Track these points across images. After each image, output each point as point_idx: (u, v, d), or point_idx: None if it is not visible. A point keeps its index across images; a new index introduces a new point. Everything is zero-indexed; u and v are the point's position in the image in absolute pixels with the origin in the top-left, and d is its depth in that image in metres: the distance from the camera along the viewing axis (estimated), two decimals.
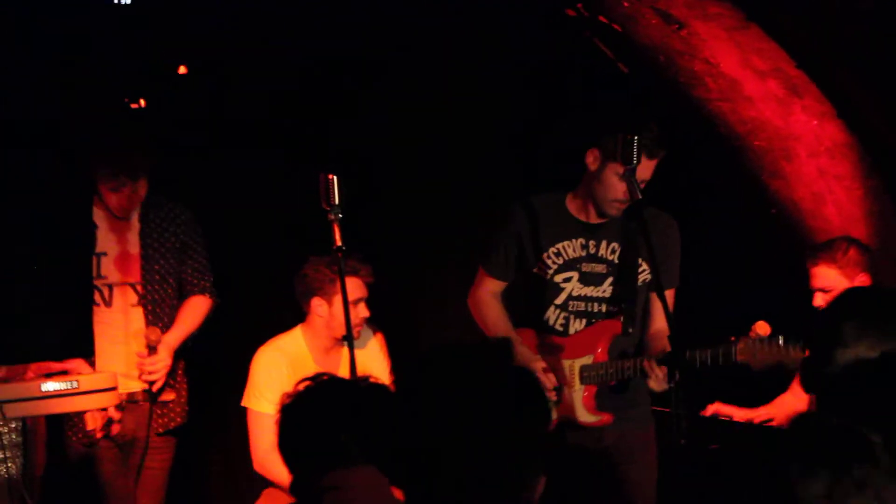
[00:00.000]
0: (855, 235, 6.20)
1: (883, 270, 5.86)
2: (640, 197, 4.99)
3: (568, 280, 5.48)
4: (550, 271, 5.47)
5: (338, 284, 5.49)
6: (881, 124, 6.29)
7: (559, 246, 5.47)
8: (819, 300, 5.73)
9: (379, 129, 7.14)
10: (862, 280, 5.68)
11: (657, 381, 5.13)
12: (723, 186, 7.25)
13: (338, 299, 5.64)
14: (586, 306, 5.48)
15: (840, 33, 5.99)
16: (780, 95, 6.47)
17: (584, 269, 5.47)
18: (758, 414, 5.92)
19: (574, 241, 5.47)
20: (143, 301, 5.93)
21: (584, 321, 5.48)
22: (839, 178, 6.61)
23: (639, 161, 5.04)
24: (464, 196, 7.19)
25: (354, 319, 5.44)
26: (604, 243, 5.46)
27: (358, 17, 6.80)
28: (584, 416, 5.45)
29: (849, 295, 3.69)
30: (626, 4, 6.41)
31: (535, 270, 5.48)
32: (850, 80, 6.24)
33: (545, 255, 5.47)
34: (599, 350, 5.43)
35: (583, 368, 5.45)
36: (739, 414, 5.92)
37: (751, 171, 7.01)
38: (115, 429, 5.82)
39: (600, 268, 5.47)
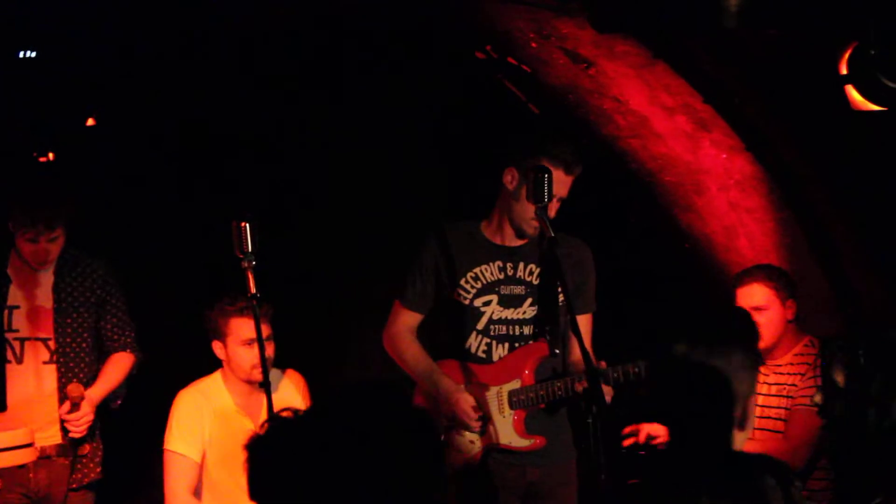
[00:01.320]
0: None
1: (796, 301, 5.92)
2: (552, 235, 5.01)
3: (487, 304, 5.48)
4: (469, 296, 5.48)
5: (231, 325, 5.57)
6: (789, 156, 6.37)
7: (477, 270, 5.48)
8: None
9: (295, 168, 7.16)
10: (790, 305, 5.72)
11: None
12: (638, 221, 7.33)
13: (231, 340, 5.64)
14: (508, 329, 5.49)
15: (744, 67, 6.07)
16: (689, 130, 6.54)
17: (502, 291, 5.48)
18: None
19: (491, 264, 5.48)
20: (57, 356, 5.84)
21: (507, 345, 5.48)
22: (750, 211, 6.68)
23: (550, 199, 5.08)
24: (380, 233, 7.20)
25: (253, 359, 5.40)
26: (521, 265, 5.48)
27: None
28: (517, 440, 5.46)
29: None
30: (534, 45, 6.46)
31: (454, 297, 5.49)
32: (757, 112, 6.32)
33: (463, 280, 5.48)
34: (526, 373, 5.43)
35: (511, 393, 5.45)
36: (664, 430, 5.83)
37: (663, 206, 7.07)
38: None
39: (519, 289, 5.48)
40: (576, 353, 5.42)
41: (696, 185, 6.79)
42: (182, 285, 6.84)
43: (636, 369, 5.25)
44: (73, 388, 5.74)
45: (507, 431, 5.46)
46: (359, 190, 7.24)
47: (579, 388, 5.17)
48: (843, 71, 5.20)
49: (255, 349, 5.51)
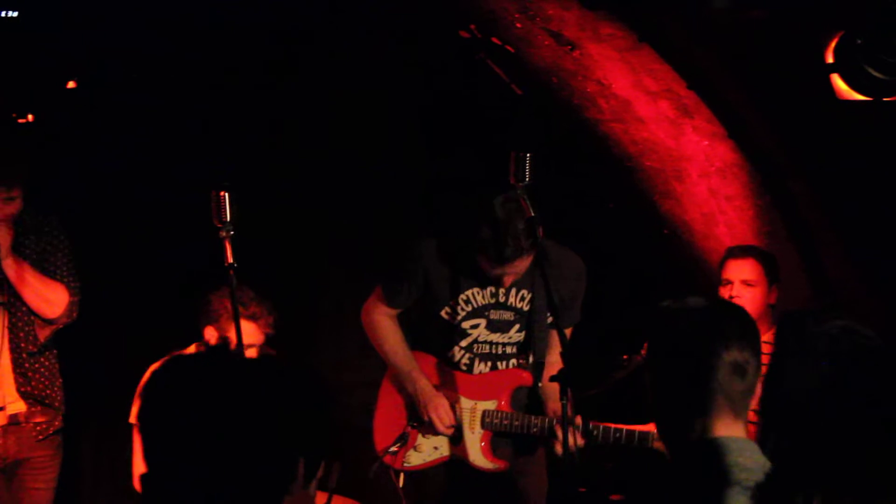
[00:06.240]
0: None
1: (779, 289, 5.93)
2: (533, 214, 4.94)
3: (476, 326, 5.46)
4: (458, 317, 5.43)
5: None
6: (771, 144, 6.36)
7: (469, 293, 5.42)
8: (737, 290, 5.71)
9: (273, 142, 7.12)
10: (774, 290, 5.80)
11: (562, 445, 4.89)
12: (617, 206, 7.33)
13: (231, 334, 5.56)
14: (491, 349, 5.47)
15: (729, 54, 6.05)
16: (672, 116, 6.52)
17: (491, 316, 5.45)
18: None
19: (484, 289, 5.43)
20: (11, 322, 5.68)
21: (489, 363, 5.47)
22: (730, 199, 6.67)
23: (532, 179, 4.98)
24: (361, 215, 7.19)
25: None
26: (513, 291, 5.41)
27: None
28: (480, 460, 5.46)
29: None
30: (518, 26, 6.44)
31: (441, 313, 5.46)
32: (740, 99, 6.30)
33: (453, 301, 5.43)
34: (504, 399, 5.45)
35: (485, 413, 5.44)
36: None
37: (643, 192, 7.06)
38: None
39: (508, 315, 5.44)
40: (549, 357, 5.44)
41: (676, 171, 6.78)
42: (158, 256, 6.79)
43: (617, 434, 5.27)
44: None
45: (474, 449, 5.46)
46: (340, 167, 7.20)
47: (558, 430, 5.10)
48: (829, 60, 5.18)
49: (248, 353, 5.50)
